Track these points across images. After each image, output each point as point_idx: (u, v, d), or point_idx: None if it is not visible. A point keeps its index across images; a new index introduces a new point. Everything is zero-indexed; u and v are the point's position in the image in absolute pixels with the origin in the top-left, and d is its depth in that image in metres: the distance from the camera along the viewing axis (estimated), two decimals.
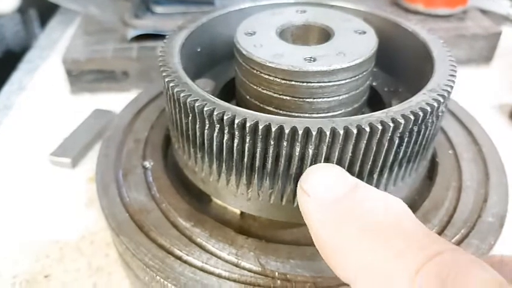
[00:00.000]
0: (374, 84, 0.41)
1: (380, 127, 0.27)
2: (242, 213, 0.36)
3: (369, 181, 0.30)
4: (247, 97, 0.36)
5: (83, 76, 0.64)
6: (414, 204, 0.36)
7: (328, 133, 0.26)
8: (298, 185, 0.26)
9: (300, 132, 0.27)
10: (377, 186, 0.30)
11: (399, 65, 0.41)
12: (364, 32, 0.36)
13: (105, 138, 0.43)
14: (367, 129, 0.27)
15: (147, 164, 0.40)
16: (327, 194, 0.24)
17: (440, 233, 0.34)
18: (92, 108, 0.61)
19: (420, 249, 0.20)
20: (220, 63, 0.43)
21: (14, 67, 0.77)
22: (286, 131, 0.27)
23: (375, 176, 0.30)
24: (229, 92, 0.41)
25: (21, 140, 0.58)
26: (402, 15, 0.76)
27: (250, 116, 0.28)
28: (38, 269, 0.41)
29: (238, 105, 0.38)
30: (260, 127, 0.27)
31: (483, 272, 0.18)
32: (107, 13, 0.71)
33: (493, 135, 0.44)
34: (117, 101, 0.61)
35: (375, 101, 0.40)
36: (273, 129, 0.27)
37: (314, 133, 0.26)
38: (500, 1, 0.87)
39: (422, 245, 0.20)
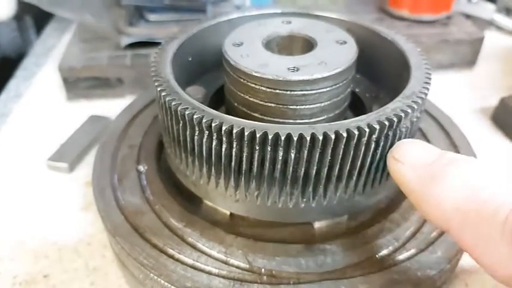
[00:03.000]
0: (357, 90, 0.43)
1: (356, 132, 0.29)
2: (231, 213, 0.38)
3: (348, 182, 0.32)
4: (235, 104, 0.38)
5: (78, 83, 0.66)
6: (393, 204, 0.38)
7: (308, 138, 0.28)
8: (388, 157, 0.30)
9: (283, 138, 0.29)
10: (356, 187, 0.32)
11: (380, 72, 0.43)
12: (345, 42, 0.38)
13: (101, 144, 0.45)
14: (345, 134, 0.29)
15: (141, 168, 0.42)
16: (418, 159, 0.28)
17: (417, 230, 0.36)
18: (87, 114, 0.62)
19: (509, 197, 0.23)
20: (210, 71, 0.45)
21: (9, 74, 0.78)
22: (270, 137, 0.29)
23: (354, 177, 0.32)
24: (219, 98, 0.43)
25: (19, 146, 0.60)
26: (388, 21, 0.78)
27: (236, 123, 0.30)
28: (37, 269, 0.43)
29: (227, 111, 0.40)
30: (246, 133, 0.29)
31: None
32: (102, 21, 0.73)
33: (475, 137, 0.46)
34: (112, 107, 0.63)
35: (357, 106, 0.43)
36: (258, 135, 0.29)
37: (295, 139, 0.29)
38: (484, 6, 0.89)
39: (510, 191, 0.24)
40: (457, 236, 0.25)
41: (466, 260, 0.37)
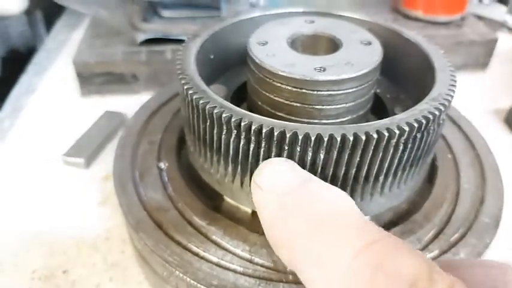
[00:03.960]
0: (377, 91, 0.43)
1: (386, 134, 0.29)
2: (253, 212, 0.38)
3: (375, 184, 0.32)
4: (259, 103, 0.38)
5: (92, 78, 0.66)
6: (415, 205, 0.39)
7: (338, 139, 0.28)
8: (252, 179, 0.27)
9: (313, 138, 0.29)
10: (382, 188, 0.33)
11: (401, 73, 0.43)
12: (370, 43, 0.38)
13: (121, 140, 0.45)
14: (375, 135, 0.29)
15: (162, 165, 0.42)
16: (277, 187, 0.26)
17: (440, 231, 0.36)
18: (102, 110, 0.62)
19: (358, 238, 0.22)
20: (231, 69, 0.45)
21: (20, 68, 0.78)
22: (300, 137, 0.29)
23: (381, 179, 0.32)
24: (240, 97, 0.43)
25: (34, 141, 0.60)
26: (402, 22, 0.78)
27: (266, 122, 0.30)
28: (56, 265, 0.43)
29: (250, 110, 0.40)
30: (275, 133, 0.29)
31: (414, 257, 0.20)
32: (116, 16, 0.73)
33: (488, 139, 0.46)
34: (126, 103, 0.63)
35: (377, 107, 0.43)
36: (288, 135, 0.29)
37: (325, 139, 0.29)
38: (497, 8, 0.89)
39: (360, 234, 0.22)
40: (303, 278, 0.23)
41: None
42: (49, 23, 0.98)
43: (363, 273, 0.20)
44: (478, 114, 0.65)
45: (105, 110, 0.62)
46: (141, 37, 0.66)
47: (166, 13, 0.72)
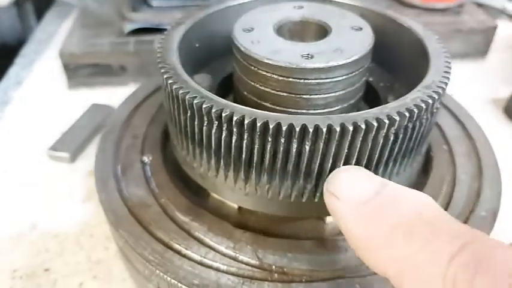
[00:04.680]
0: (370, 79, 0.41)
1: (375, 124, 0.27)
2: (240, 207, 0.36)
3: None
4: (245, 93, 0.36)
5: (79, 70, 0.64)
6: None
7: (324, 130, 0.27)
8: (324, 188, 0.26)
9: (297, 129, 0.27)
10: None
11: (395, 61, 0.41)
12: (361, 29, 0.36)
13: (104, 133, 0.43)
14: (363, 126, 0.27)
15: (146, 159, 0.40)
16: (355, 195, 0.25)
17: None
18: (89, 103, 0.61)
19: (451, 239, 0.20)
20: (218, 58, 0.43)
21: (9, 61, 0.77)
22: (284, 128, 0.27)
23: (371, 171, 0.30)
24: (226, 87, 0.41)
25: (19, 134, 0.58)
26: (399, 9, 0.76)
27: (248, 113, 0.28)
28: (38, 263, 0.42)
29: (235, 100, 0.39)
30: (258, 124, 0.27)
31: (510, 253, 0.19)
32: (104, 6, 0.71)
33: (487, 129, 0.45)
34: (114, 95, 0.61)
35: (370, 96, 0.41)
36: (271, 126, 0.27)
37: (311, 130, 0.27)
38: None
39: (453, 235, 0.21)
40: (394, 284, 0.22)
41: None
42: (39, 15, 0.96)
43: (462, 277, 0.19)
44: (477, 103, 0.64)
45: (92, 103, 0.60)
46: (129, 27, 0.64)
47: (155, 2, 0.70)
